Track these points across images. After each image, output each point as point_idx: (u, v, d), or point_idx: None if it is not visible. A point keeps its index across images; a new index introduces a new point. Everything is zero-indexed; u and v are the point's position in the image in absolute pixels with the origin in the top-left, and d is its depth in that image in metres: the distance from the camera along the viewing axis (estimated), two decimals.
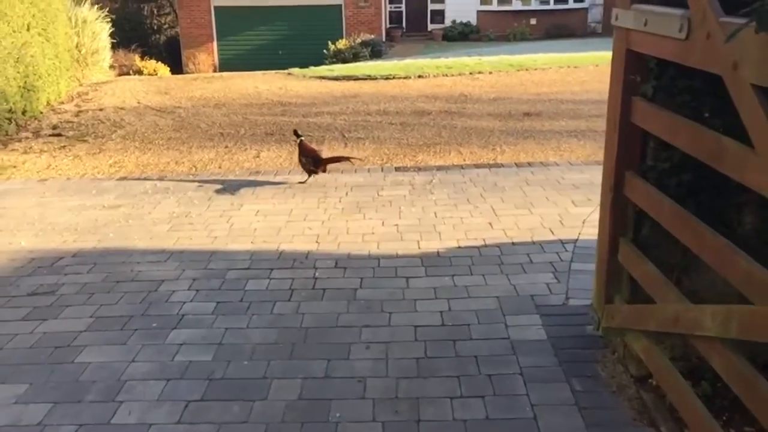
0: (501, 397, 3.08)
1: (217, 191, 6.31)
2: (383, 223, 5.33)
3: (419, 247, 4.82)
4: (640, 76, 2.99)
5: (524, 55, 16.15)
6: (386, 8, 24.23)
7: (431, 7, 25.60)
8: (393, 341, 3.58)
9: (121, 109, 10.80)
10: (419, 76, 13.17)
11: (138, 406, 3.09)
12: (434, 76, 13.25)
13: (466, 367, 3.32)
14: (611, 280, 3.35)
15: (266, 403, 3.08)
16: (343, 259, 4.67)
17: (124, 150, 8.29)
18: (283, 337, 3.66)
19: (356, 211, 5.61)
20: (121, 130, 9.34)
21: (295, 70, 14.77)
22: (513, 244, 4.83)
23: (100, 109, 10.74)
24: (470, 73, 13.45)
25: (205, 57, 22.06)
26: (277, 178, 6.68)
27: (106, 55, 15.44)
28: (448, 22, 25.09)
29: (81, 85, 12.77)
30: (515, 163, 6.98)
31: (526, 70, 13.73)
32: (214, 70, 21.09)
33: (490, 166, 6.90)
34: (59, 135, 9.15)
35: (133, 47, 19.21)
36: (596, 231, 3.59)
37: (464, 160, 7.38)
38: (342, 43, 19.12)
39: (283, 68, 15.39)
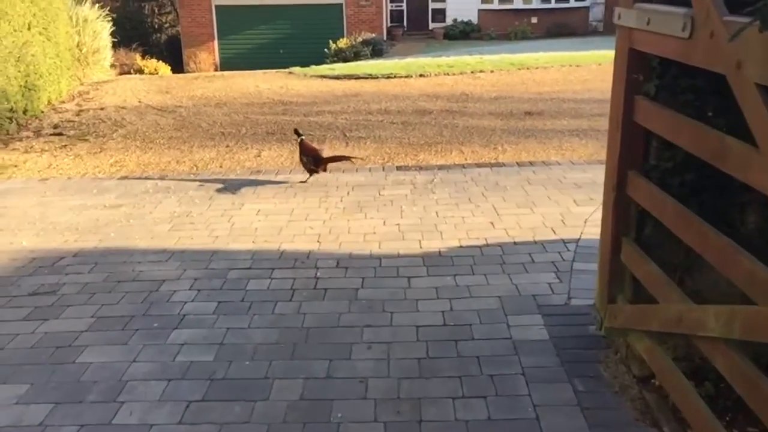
0: (503, 397, 3.07)
1: (218, 190, 6.31)
2: (385, 222, 5.32)
3: (421, 247, 4.81)
4: (643, 75, 2.98)
5: (525, 53, 16.12)
6: (387, 7, 24.22)
7: (432, 5, 25.60)
8: (395, 341, 3.57)
9: (122, 108, 10.79)
10: (420, 75, 13.15)
11: (139, 406, 3.08)
12: (435, 75, 13.23)
13: (468, 367, 3.31)
14: (614, 280, 3.34)
15: (268, 404, 3.08)
16: (344, 258, 4.66)
17: (125, 149, 8.28)
18: (284, 337, 3.66)
19: (358, 211, 5.60)
20: (122, 130, 9.34)
21: (296, 69, 14.75)
22: (515, 243, 4.82)
23: (101, 109, 10.73)
24: (471, 72, 13.43)
25: (206, 56, 22.06)
26: (279, 178, 6.67)
27: (107, 54, 15.43)
28: (449, 21, 25.09)
29: (82, 84, 12.76)
30: (517, 162, 6.97)
31: (528, 68, 13.70)
32: (215, 69, 21.09)
33: (491, 165, 6.89)
34: (60, 134, 9.14)
35: (134, 46, 19.20)
36: (598, 230, 3.58)
37: (466, 159, 7.37)
38: (343, 42, 19.12)
39: (284, 67, 15.36)
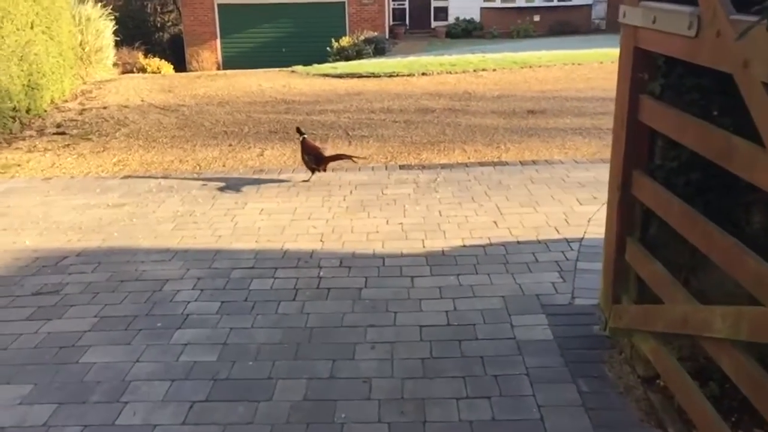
0: (507, 397, 3.06)
1: (221, 190, 6.30)
2: (388, 221, 5.31)
3: (424, 246, 4.80)
4: (648, 73, 2.96)
5: (528, 52, 16.09)
6: (389, 5, 24.21)
7: (434, 4, 25.58)
8: (398, 341, 3.56)
9: (125, 107, 10.79)
10: (423, 74, 13.13)
11: (143, 406, 3.08)
12: (438, 73, 13.21)
13: (472, 367, 3.30)
14: (618, 280, 3.33)
15: (271, 404, 3.07)
16: (347, 258, 4.66)
17: (128, 148, 8.28)
18: (287, 337, 3.65)
19: (360, 210, 5.59)
20: (125, 129, 9.34)
21: (299, 68, 14.73)
22: (518, 243, 4.81)
23: (104, 108, 10.73)
24: (474, 71, 13.40)
25: (209, 55, 22.05)
26: (281, 177, 6.66)
27: (110, 53, 15.44)
28: (451, 19, 25.06)
29: (85, 83, 12.77)
30: (520, 161, 6.96)
31: (530, 67, 13.66)
32: (218, 68, 21.07)
33: (494, 164, 6.87)
34: (63, 133, 9.15)
35: (136, 45, 19.20)
36: (602, 230, 3.56)
37: (469, 158, 7.36)
38: (345, 41, 19.09)
39: (287, 66, 15.35)
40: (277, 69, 15.07)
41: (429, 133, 8.55)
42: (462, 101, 10.54)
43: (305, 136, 6.63)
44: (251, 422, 2.95)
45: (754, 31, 1.87)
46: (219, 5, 22.38)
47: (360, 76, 13.27)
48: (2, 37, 8.95)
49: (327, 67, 14.85)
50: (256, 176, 6.73)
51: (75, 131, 9.26)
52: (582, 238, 4.80)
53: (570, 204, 5.53)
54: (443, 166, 6.83)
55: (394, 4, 25.24)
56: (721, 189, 2.74)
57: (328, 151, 6.91)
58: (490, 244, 4.79)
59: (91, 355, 3.53)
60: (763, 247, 2.17)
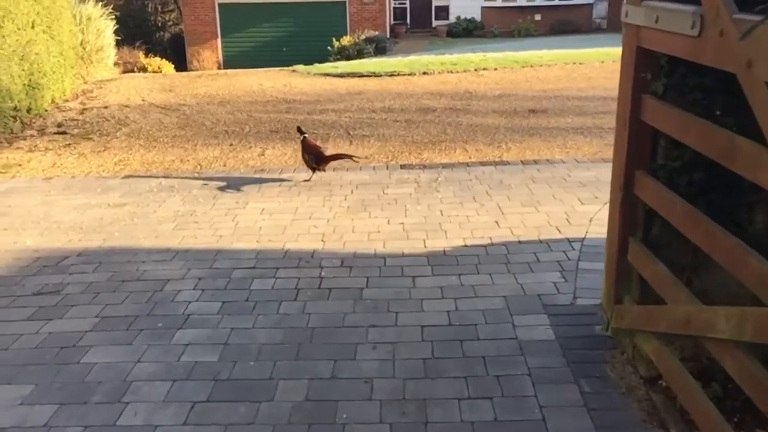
0: (509, 398, 3.05)
1: (222, 189, 6.30)
2: (389, 221, 5.31)
3: (425, 246, 4.80)
4: (651, 73, 2.95)
5: (529, 51, 16.08)
6: (390, 4, 24.20)
7: (435, 3, 25.57)
8: (400, 341, 3.55)
9: (126, 106, 10.79)
10: (424, 73, 13.12)
11: (144, 407, 3.08)
12: (439, 72, 13.20)
13: (474, 367, 3.29)
14: (621, 280, 3.32)
15: (273, 404, 3.07)
16: (348, 258, 4.65)
17: (128, 148, 8.28)
18: (289, 337, 3.64)
19: (362, 210, 5.58)
20: (125, 128, 9.34)
21: (300, 67, 14.73)
22: (520, 242, 4.80)
23: (105, 107, 10.73)
24: (475, 70, 13.40)
25: (210, 54, 22.05)
26: (283, 176, 6.66)
27: (111, 53, 15.44)
28: (452, 19, 25.06)
29: (86, 82, 12.77)
30: (521, 161, 6.95)
31: (531, 66, 13.65)
32: (219, 68, 21.07)
33: (495, 163, 6.86)
34: (64, 133, 9.14)
35: (137, 44, 19.22)
36: (603, 229, 3.55)
37: (470, 157, 7.35)
38: (346, 40, 19.09)
39: (288, 65, 15.35)
40: (278, 68, 15.07)
41: (430, 132, 8.55)
42: (463, 100, 10.53)
43: (306, 135, 6.62)
44: (252, 423, 2.94)
45: (757, 31, 1.86)
46: (220, 4, 22.39)
47: (361, 75, 13.27)
48: (3, 37, 8.95)
49: (328, 67, 14.85)
50: (257, 176, 6.72)
51: (76, 131, 9.26)
52: (584, 238, 4.79)
53: (571, 203, 5.52)
54: (444, 166, 6.82)
55: (395, 4, 25.23)
56: (724, 189, 2.73)
57: (329, 151, 6.90)
58: (492, 244, 4.78)
59: (92, 356, 3.52)
60: (766, 248, 2.16)
